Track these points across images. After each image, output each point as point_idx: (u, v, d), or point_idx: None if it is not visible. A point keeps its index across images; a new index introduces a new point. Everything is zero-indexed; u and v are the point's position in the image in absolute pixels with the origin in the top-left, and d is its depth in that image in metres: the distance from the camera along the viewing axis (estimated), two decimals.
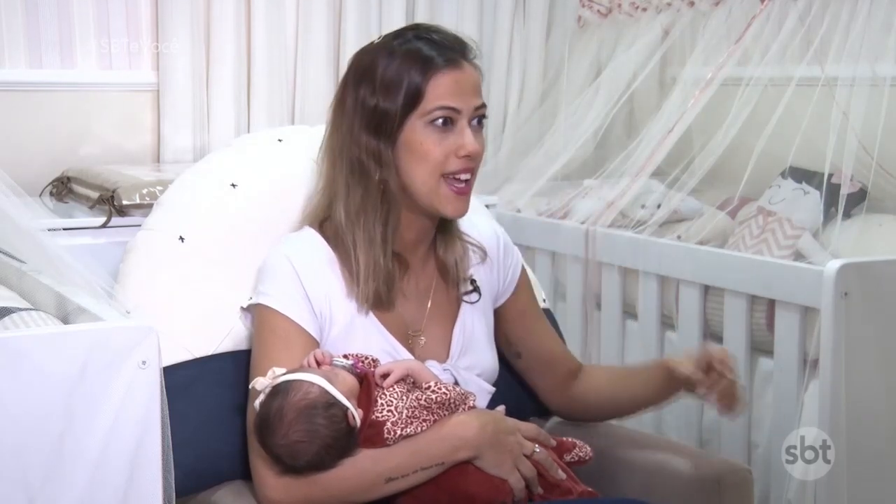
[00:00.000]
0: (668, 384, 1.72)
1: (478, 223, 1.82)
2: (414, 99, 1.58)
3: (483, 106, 1.63)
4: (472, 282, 1.75)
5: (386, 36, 1.65)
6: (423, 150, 1.59)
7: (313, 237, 1.68)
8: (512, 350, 1.85)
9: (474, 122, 1.62)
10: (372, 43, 1.66)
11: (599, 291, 2.74)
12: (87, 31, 2.75)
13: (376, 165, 1.61)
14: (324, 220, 1.69)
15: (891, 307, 2.10)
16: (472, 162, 1.61)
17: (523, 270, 1.85)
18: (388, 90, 1.59)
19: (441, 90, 1.58)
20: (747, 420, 2.34)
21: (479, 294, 1.76)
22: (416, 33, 1.63)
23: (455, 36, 1.64)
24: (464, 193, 1.63)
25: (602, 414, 1.84)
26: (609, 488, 1.74)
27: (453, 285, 1.73)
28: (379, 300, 1.65)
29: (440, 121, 1.59)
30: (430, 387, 1.54)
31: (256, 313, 1.66)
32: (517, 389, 1.86)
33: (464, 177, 1.61)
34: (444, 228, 1.72)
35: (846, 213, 2.42)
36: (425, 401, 1.53)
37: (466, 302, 1.74)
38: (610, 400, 1.82)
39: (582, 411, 1.85)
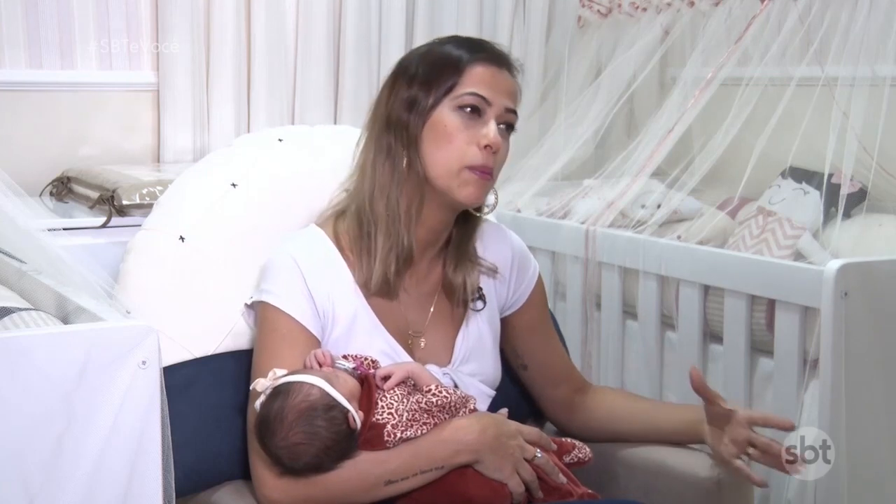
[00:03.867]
0: (693, 437, 1.73)
1: (494, 244, 1.79)
2: (450, 80, 1.60)
3: (514, 112, 1.64)
4: (479, 290, 1.75)
5: (435, 40, 1.70)
6: (447, 133, 1.60)
7: (319, 235, 1.68)
8: (518, 361, 1.84)
9: (502, 125, 1.63)
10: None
11: (599, 291, 2.74)
12: (87, 31, 2.75)
13: (403, 144, 1.62)
14: (339, 216, 1.69)
15: (891, 307, 2.10)
16: (492, 157, 1.61)
17: (539, 286, 1.83)
18: (427, 75, 1.62)
19: (476, 78, 1.61)
20: None
21: (485, 302, 1.75)
22: (464, 39, 1.68)
23: (503, 49, 1.68)
24: (484, 179, 1.61)
25: (608, 435, 1.80)
26: (609, 489, 1.74)
27: (458, 302, 1.73)
28: (386, 285, 1.64)
29: (468, 108, 1.60)
30: (430, 390, 1.54)
31: (259, 311, 1.66)
32: (515, 392, 1.86)
33: (483, 169, 1.61)
34: (459, 248, 1.71)
35: (846, 213, 2.42)
36: (426, 404, 1.53)
37: (472, 310, 1.74)
38: (625, 424, 1.80)
39: (584, 428, 1.82)
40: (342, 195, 1.73)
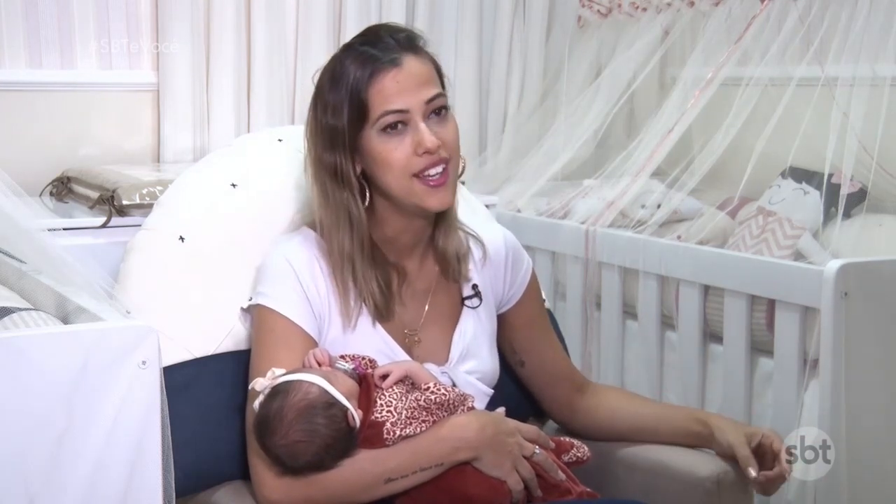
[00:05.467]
0: (700, 440, 1.73)
1: (487, 228, 1.81)
2: (360, 112, 1.58)
3: (438, 96, 1.60)
4: (474, 286, 1.75)
5: (340, 48, 1.65)
6: (384, 157, 1.59)
7: (311, 237, 1.68)
8: (516, 358, 1.84)
9: (432, 115, 1.60)
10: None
11: (599, 291, 2.74)
12: (87, 31, 2.75)
13: (336, 185, 1.62)
14: None
15: (891, 307, 2.10)
16: (437, 156, 1.59)
17: (533, 281, 1.83)
18: (336, 107, 1.59)
19: (383, 95, 1.57)
20: (747, 420, 2.34)
21: (481, 299, 1.75)
22: (364, 39, 1.62)
23: (399, 31, 1.62)
24: (439, 185, 1.60)
25: (609, 435, 1.80)
26: (609, 488, 1.74)
27: (454, 282, 1.73)
28: (379, 315, 1.65)
29: (392, 126, 1.58)
30: (428, 388, 1.54)
31: (256, 314, 1.66)
32: (515, 391, 1.86)
33: (433, 171, 1.59)
34: (442, 220, 1.71)
35: (846, 213, 2.42)
36: (424, 402, 1.53)
37: (468, 307, 1.74)
38: (626, 424, 1.79)
39: (586, 427, 1.82)
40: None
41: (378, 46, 1.59)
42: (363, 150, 1.60)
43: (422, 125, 1.58)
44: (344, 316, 1.65)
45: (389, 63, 1.57)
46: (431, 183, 1.59)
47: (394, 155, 1.58)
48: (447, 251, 1.71)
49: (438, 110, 1.60)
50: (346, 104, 1.58)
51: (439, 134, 1.59)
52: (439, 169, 1.59)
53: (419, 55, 1.61)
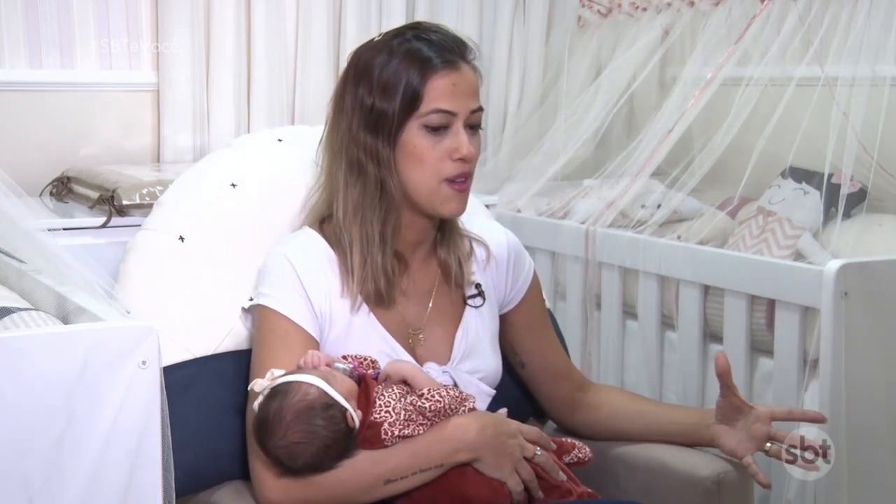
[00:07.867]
0: (702, 439, 1.73)
1: (489, 228, 1.82)
2: (412, 101, 1.59)
3: (479, 109, 1.64)
4: (477, 286, 1.75)
5: (387, 34, 1.66)
6: (419, 152, 1.60)
7: (313, 237, 1.69)
8: (517, 359, 1.85)
9: (468, 127, 1.62)
10: (372, 40, 1.66)
11: (599, 291, 2.74)
12: (87, 31, 2.75)
13: (374, 164, 1.62)
14: (324, 219, 1.70)
15: (891, 307, 2.10)
16: (468, 165, 1.62)
17: (535, 282, 1.84)
18: (386, 91, 1.59)
19: (438, 93, 1.59)
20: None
21: (484, 299, 1.75)
22: (416, 33, 1.63)
23: (455, 36, 1.65)
24: (463, 191, 1.63)
25: (610, 434, 1.81)
26: (609, 488, 1.74)
27: (457, 286, 1.73)
28: (379, 298, 1.65)
29: (435, 124, 1.59)
30: (423, 394, 1.53)
31: (257, 314, 1.66)
32: (516, 391, 1.86)
33: (460, 179, 1.62)
34: (445, 229, 1.72)
35: (846, 213, 2.42)
36: (419, 407, 1.52)
37: (471, 306, 1.74)
38: (628, 423, 1.80)
39: (587, 426, 1.83)
40: (317, 194, 1.73)
41: (435, 44, 1.61)
42: (401, 139, 1.61)
43: (462, 132, 1.60)
44: (349, 298, 1.64)
45: (449, 64, 1.60)
46: (457, 188, 1.62)
47: (430, 153, 1.60)
48: (449, 262, 1.72)
49: (476, 123, 1.64)
50: (399, 90, 1.59)
51: (472, 145, 1.61)
52: (463, 178, 1.62)
53: (471, 65, 1.64)
